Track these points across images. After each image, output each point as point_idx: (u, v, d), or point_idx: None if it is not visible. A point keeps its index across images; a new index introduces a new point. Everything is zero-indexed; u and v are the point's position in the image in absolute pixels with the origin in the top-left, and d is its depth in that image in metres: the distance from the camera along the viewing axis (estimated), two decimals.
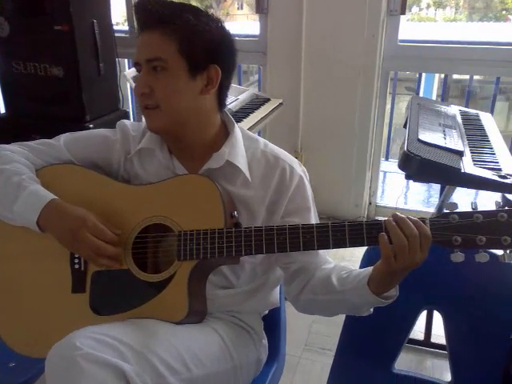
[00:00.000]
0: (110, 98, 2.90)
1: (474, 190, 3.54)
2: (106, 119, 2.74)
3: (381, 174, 3.34)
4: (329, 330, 2.09)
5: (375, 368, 1.30)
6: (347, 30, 2.79)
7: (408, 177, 1.85)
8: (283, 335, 1.36)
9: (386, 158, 3.93)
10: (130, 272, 1.07)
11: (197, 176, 1.10)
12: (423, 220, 0.94)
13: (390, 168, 4.03)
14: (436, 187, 3.76)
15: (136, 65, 1.08)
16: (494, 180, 1.68)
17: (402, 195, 3.59)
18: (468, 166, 1.76)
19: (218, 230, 1.02)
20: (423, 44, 2.95)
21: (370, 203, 3.22)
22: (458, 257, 0.94)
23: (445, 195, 2.06)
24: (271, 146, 1.19)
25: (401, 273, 0.95)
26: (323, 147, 3.05)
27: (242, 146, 1.15)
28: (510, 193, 1.73)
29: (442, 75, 5.39)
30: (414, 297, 1.03)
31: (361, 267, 1.24)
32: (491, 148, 2.00)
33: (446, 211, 0.96)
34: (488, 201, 3.65)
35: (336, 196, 3.13)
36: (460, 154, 1.85)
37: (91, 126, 2.61)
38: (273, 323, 1.32)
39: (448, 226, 0.94)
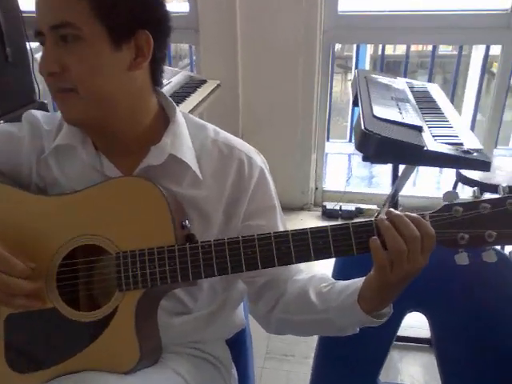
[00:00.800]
0: (22, 88, 2.52)
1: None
2: (19, 113, 2.38)
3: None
4: (289, 335, 1.92)
5: (358, 380, 1.14)
6: (284, 0, 2.59)
7: (366, 158, 1.71)
8: (251, 358, 1.17)
9: (327, 139, 3.81)
10: (56, 311, 0.81)
11: (134, 178, 0.87)
12: (422, 216, 0.77)
13: (332, 149, 3.92)
14: (379, 167, 3.70)
15: (38, 35, 0.81)
16: (458, 156, 1.56)
17: (346, 178, 3.47)
18: (430, 142, 1.63)
19: (167, 248, 0.80)
20: (365, 13, 2.80)
21: (316, 188, 3.08)
22: (462, 258, 0.78)
23: (403, 176, 1.94)
24: (223, 133, 0.97)
25: (398, 285, 0.77)
26: (266, 130, 2.86)
27: (188, 136, 0.93)
28: (475, 169, 1.63)
29: (372, 51, 5.38)
30: (398, 300, 0.86)
31: (334, 277, 1.05)
32: (447, 121, 1.88)
33: (446, 203, 0.79)
34: (428, 179, 3.63)
35: (281, 183, 2.89)
36: (419, 129, 1.71)
37: (1, 122, 2.25)
38: (238, 345, 1.12)
39: (452, 222, 0.77)
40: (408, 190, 2.81)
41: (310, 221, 2.97)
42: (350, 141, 3.89)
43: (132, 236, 0.82)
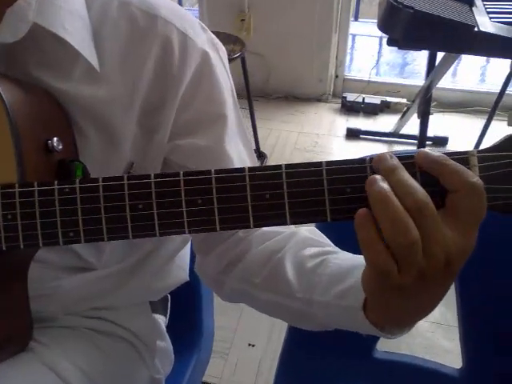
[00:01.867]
0: None
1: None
2: None
3: (349, 39, 2.69)
4: None
5: (347, 354, 0.84)
6: None
7: (392, 41, 1.27)
8: (209, 305, 0.87)
9: (356, 18, 3.23)
10: None
11: None
12: (464, 159, 0.40)
13: (360, 30, 3.35)
14: (415, 52, 3.16)
15: None
16: None
17: (374, 65, 2.97)
18: (483, 21, 1.19)
19: (1, 191, 0.46)
20: None
21: (336, 76, 2.64)
22: None
23: (441, 65, 1.49)
24: None
25: (426, 291, 0.39)
26: (278, 4, 2.37)
27: None
28: None
29: None
30: None
31: None
32: None
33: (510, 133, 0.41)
34: (471, 69, 3.04)
35: (295, 68, 2.52)
36: (469, 2, 1.25)
37: None
38: (186, 299, 0.82)
39: None
40: (445, 82, 2.34)
41: (326, 114, 2.58)
42: None
43: None
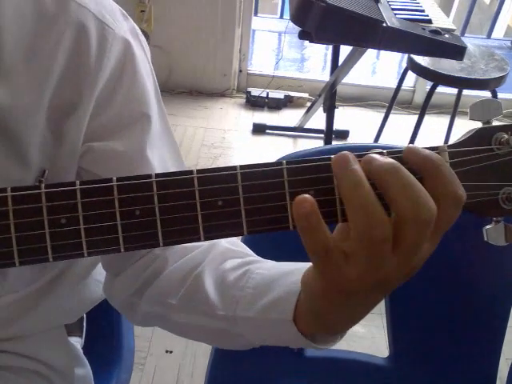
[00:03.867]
0: None
1: None
2: None
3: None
4: None
5: (279, 353, 0.80)
6: None
7: (304, 35, 1.26)
8: (127, 330, 0.79)
9: (255, 13, 3.23)
10: None
11: None
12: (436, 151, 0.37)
13: (259, 26, 3.36)
14: (312, 49, 3.23)
15: None
16: (426, 38, 1.16)
17: (275, 60, 2.99)
18: (389, 17, 1.21)
19: None
20: None
21: (240, 71, 2.60)
22: (497, 233, 0.40)
23: (348, 60, 1.51)
24: None
25: (368, 294, 0.35)
26: None
27: None
28: (445, 56, 1.23)
29: None
30: None
31: None
32: None
33: (484, 125, 0.39)
34: (362, 64, 3.17)
35: (198, 62, 2.44)
36: None
37: None
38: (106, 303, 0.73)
39: (492, 166, 0.38)
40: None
41: (231, 109, 2.53)
42: (282, 17, 3.35)
43: None
